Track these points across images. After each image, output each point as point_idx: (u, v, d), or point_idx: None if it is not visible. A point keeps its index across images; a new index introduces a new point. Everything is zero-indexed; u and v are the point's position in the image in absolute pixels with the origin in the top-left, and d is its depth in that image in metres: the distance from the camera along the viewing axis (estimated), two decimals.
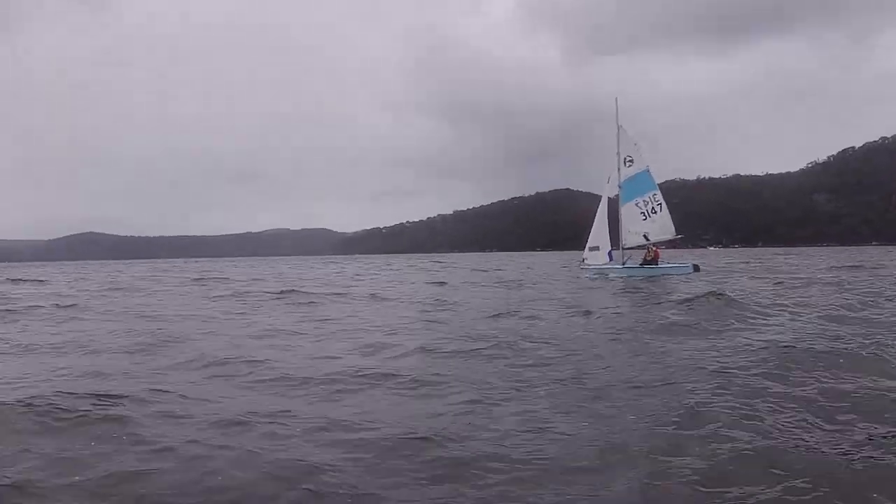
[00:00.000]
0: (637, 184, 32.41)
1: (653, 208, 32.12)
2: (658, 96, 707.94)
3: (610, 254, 32.36)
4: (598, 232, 33.08)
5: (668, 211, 32.23)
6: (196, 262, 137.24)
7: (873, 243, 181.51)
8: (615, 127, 33.07)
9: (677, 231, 32.58)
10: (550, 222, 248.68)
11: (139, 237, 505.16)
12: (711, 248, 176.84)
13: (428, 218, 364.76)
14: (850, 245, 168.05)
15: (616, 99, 33.76)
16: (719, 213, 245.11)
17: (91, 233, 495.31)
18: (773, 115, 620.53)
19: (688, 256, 46.85)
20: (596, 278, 30.09)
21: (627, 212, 32.49)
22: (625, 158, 32.66)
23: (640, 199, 32.31)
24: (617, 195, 33.12)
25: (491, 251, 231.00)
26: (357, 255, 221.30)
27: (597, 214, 33.33)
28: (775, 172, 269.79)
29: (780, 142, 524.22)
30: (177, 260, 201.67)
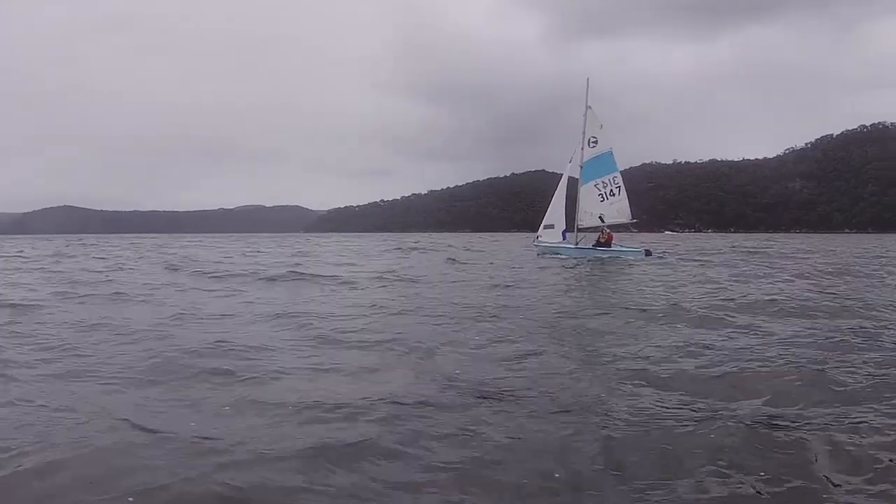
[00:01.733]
0: (599, 165, 31.72)
1: (611, 191, 31.42)
2: (638, 79, 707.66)
3: (564, 233, 32.20)
4: (555, 210, 32.85)
5: (626, 195, 31.54)
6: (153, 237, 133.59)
7: (846, 231, 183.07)
8: (585, 107, 32.24)
9: (635, 215, 31.96)
10: (525, 203, 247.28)
11: (113, 212, 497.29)
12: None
13: (402, 197, 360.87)
14: (822, 233, 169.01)
15: (587, 79, 32.85)
16: (693, 197, 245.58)
17: (66, 206, 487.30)
18: (753, 100, 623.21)
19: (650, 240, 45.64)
20: (545, 256, 30.39)
21: (586, 192, 31.77)
22: (589, 139, 31.97)
23: (599, 181, 31.58)
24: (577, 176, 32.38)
25: (465, 231, 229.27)
26: (330, 234, 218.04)
27: (555, 193, 33.04)
28: (752, 158, 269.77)
29: (759, 128, 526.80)
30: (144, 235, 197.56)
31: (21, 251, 44.58)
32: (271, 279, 18.02)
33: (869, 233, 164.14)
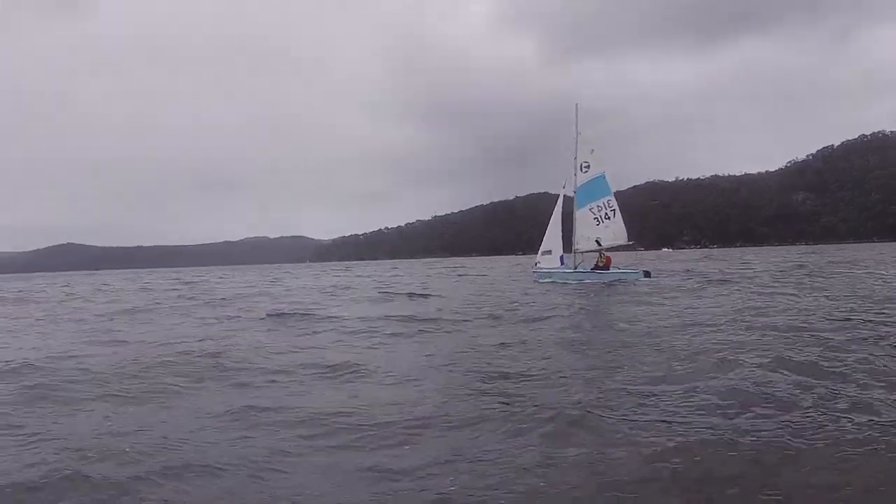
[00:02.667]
0: (592, 189, 31.99)
1: (606, 214, 31.69)
2: (636, 96, 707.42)
3: (562, 258, 32.30)
4: (552, 236, 32.90)
5: (621, 217, 31.75)
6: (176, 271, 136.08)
7: (851, 241, 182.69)
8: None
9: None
10: (529, 226, 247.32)
11: (117, 248, 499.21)
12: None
13: (406, 224, 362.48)
14: (827, 243, 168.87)
15: (576, 105, 33.21)
16: (698, 213, 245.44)
17: (70, 244, 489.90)
18: (752, 113, 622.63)
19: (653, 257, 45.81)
20: (546, 282, 30.15)
21: (581, 217, 32.06)
22: (581, 164, 32.32)
23: (594, 205, 31.88)
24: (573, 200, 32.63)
25: (470, 255, 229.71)
26: (333, 262, 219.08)
27: (551, 218, 33.16)
28: (754, 172, 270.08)
29: (760, 141, 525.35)
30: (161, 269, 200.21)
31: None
32: None
33: (874, 241, 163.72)
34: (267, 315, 16.81)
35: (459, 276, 44.07)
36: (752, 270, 33.91)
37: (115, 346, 11.92)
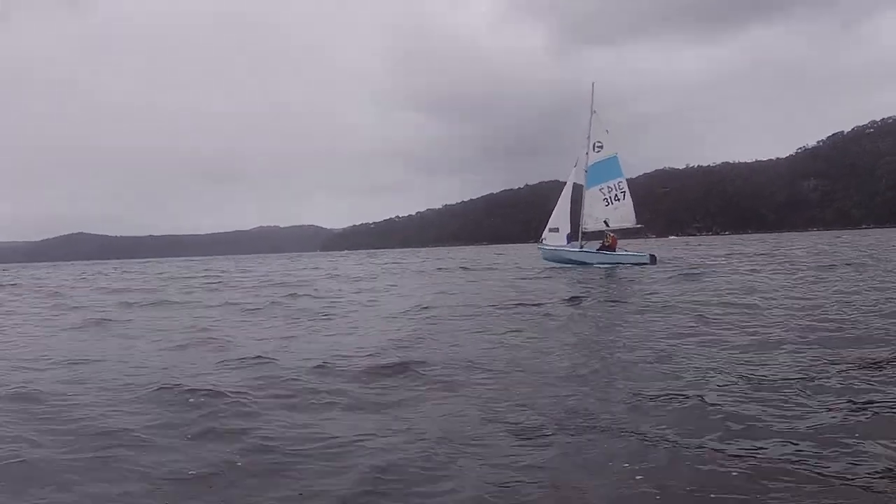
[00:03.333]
0: (604, 169, 32.14)
1: (616, 195, 31.88)
2: (645, 85, 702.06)
3: (568, 236, 32.35)
4: (560, 214, 33.02)
5: (631, 199, 31.95)
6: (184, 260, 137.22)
7: (863, 226, 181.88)
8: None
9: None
10: (542, 214, 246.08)
11: (128, 237, 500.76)
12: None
13: (417, 213, 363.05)
14: (841, 229, 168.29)
15: (593, 84, 33.43)
16: (709, 200, 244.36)
17: (81, 233, 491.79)
18: (761, 101, 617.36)
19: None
20: (551, 263, 31.13)
21: (591, 196, 32.22)
22: (594, 144, 32.42)
23: (604, 185, 32.04)
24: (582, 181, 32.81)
25: (481, 244, 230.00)
26: (345, 252, 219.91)
27: (560, 196, 33.24)
28: (764, 159, 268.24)
29: (770, 128, 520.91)
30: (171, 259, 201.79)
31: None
32: None
33: (888, 227, 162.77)
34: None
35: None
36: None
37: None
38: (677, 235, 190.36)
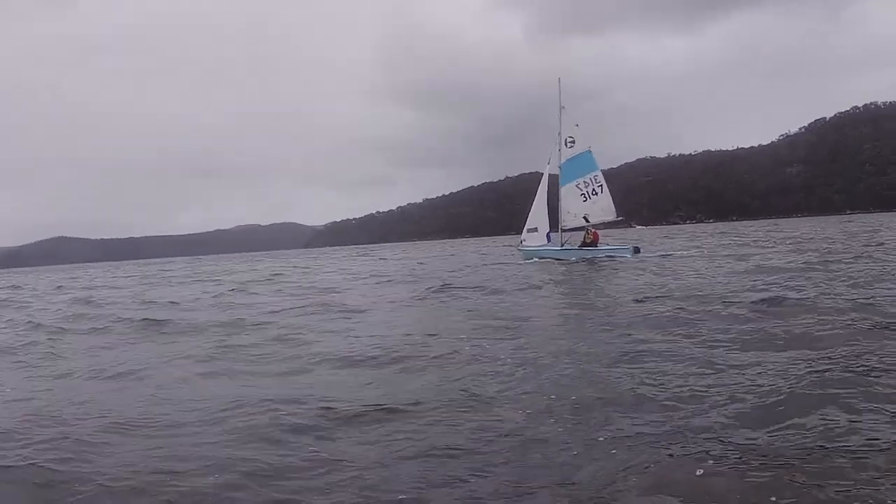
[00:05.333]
0: (578, 165, 31.42)
1: (594, 190, 31.08)
2: (627, 74, 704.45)
3: (548, 235, 31.92)
4: (538, 212, 32.62)
5: (609, 193, 31.13)
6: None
7: (847, 212, 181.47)
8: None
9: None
10: (522, 206, 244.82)
11: (108, 240, 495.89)
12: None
13: (398, 207, 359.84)
14: (824, 215, 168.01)
15: (559, 79, 32.90)
16: (691, 188, 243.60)
17: (60, 236, 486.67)
18: (743, 88, 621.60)
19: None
20: (531, 261, 29.90)
21: (567, 193, 31.50)
22: (566, 139, 31.85)
23: (580, 181, 31.27)
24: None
25: (464, 237, 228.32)
26: (324, 249, 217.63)
27: (536, 196, 32.80)
28: (746, 146, 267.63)
29: (751, 116, 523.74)
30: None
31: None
32: None
33: (871, 212, 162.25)
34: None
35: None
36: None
37: None
38: (661, 225, 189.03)
